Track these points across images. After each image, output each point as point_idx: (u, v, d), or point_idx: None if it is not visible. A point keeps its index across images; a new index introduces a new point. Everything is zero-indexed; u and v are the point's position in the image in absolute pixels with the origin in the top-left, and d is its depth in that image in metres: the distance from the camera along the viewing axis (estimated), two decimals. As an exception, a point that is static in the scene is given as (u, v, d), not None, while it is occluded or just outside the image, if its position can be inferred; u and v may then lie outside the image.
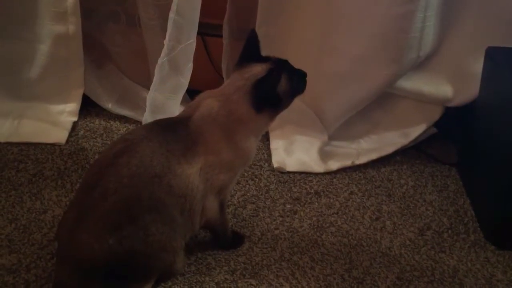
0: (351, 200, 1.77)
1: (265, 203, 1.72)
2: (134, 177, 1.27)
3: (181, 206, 1.32)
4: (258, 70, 1.37)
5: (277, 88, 1.36)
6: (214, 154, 1.36)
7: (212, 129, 1.36)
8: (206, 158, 1.35)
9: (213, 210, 1.43)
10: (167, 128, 1.37)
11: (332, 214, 1.70)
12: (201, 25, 1.76)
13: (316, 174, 1.87)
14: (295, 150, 1.92)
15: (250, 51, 1.42)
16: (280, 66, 1.38)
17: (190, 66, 1.79)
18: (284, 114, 1.45)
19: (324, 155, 1.92)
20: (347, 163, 1.90)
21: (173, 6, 1.66)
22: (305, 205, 1.73)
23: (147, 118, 1.82)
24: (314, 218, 1.68)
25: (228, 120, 1.36)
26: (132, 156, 1.28)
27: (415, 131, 1.98)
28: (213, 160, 1.36)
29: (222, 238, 1.53)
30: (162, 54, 1.72)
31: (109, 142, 1.93)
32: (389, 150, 1.96)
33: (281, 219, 1.67)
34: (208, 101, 1.39)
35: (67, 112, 2.00)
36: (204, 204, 1.39)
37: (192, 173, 1.33)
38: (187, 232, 1.38)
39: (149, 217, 1.27)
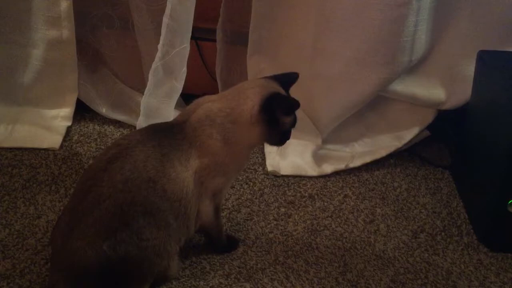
0: (345, 203, 1.77)
1: (260, 207, 1.73)
2: (128, 182, 1.27)
3: (176, 210, 1.32)
4: (278, 88, 1.40)
5: (284, 109, 1.37)
6: (209, 156, 1.36)
7: (208, 130, 1.35)
8: (200, 161, 1.35)
9: (208, 214, 1.43)
10: (162, 132, 1.37)
11: (326, 217, 1.71)
12: (194, 29, 1.77)
13: (310, 177, 1.87)
14: (289, 153, 1.92)
15: (283, 82, 1.43)
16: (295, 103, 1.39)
17: (184, 70, 1.80)
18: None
19: (318, 158, 1.93)
20: (341, 166, 1.91)
21: (167, 11, 1.66)
22: (299, 209, 1.73)
23: (141, 122, 1.82)
24: (308, 222, 1.68)
25: (225, 120, 1.35)
26: (125, 161, 1.29)
27: (409, 134, 1.99)
28: (208, 163, 1.36)
29: (217, 242, 1.53)
30: (156, 59, 1.72)
31: (103, 147, 1.93)
32: (383, 153, 1.96)
33: (275, 222, 1.67)
34: (208, 105, 1.39)
35: (61, 117, 2.00)
36: (199, 208, 1.39)
37: (186, 176, 1.33)
38: (182, 236, 1.38)
39: (144, 222, 1.27)
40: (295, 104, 1.38)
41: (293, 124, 1.42)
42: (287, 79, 1.45)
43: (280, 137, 1.43)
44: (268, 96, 1.36)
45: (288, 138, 1.44)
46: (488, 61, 1.71)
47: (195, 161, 1.34)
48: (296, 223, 1.67)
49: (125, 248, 1.24)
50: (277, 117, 1.37)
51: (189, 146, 1.35)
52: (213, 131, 1.35)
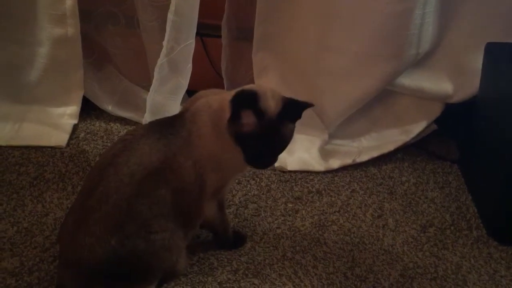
0: (352, 198, 1.77)
1: (267, 203, 1.72)
2: (135, 175, 1.27)
3: (182, 201, 1.32)
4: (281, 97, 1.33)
5: (246, 103, 1.28)
6: (204, 145, 1.33)
7: (204, 117, 1.34)
8: (198, 151, 1.33)
9: (211, 210, 1.43)
10: (165, 123, 1.37)
11: (334, 212, 1.70)
12: (199, 25, 1.76)
13: (317, 172, 1.86)
14: (296, 149, 1.91)
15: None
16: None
17: (189, 66, 1.80)
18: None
19: (325, 153, 1.92)
20: (348, 161, 1.90)
21: (172, 7, 1.66)
22: (307, 204, 1.73)
23: (147, 119, 1.82)
24: (316, 217, 1.68)
25: (219, 106, 1.33)
26: (131, 155, 1.29)
27: (416, 128, 1.98)
28: (204, 154, 1.33)
29: (223, 238, 1.53)
30: (161, 55, 1.72)
31: (109, 144, 1.92)
32: (390, 147, 1.96)
33: (282, 218, 1.67)
34: (210, 96, 1.38)
35: (67, 114, 2.00)
36: (201, 204, 1.38)
37: (188, 166, 1.32)
38: (189, 230, 1.38)
39: (151, 215, 1.27)
40: (256, 113, 1.27)
41: (258, 139, 1.29)
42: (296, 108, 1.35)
43: (241, 143, 1.30)
44: (246, 89, 1.32)
45: (254, 157, 1.31)
46: (496, 54, 1.70)
47: (194, 149, 1.32)
48: (303, 219, 1.67)
49: (134, 242, 1.24)
50: (239, 110, 1.29)
51: (188, 134, 1.33)
52: (207, 118, 1.34)
